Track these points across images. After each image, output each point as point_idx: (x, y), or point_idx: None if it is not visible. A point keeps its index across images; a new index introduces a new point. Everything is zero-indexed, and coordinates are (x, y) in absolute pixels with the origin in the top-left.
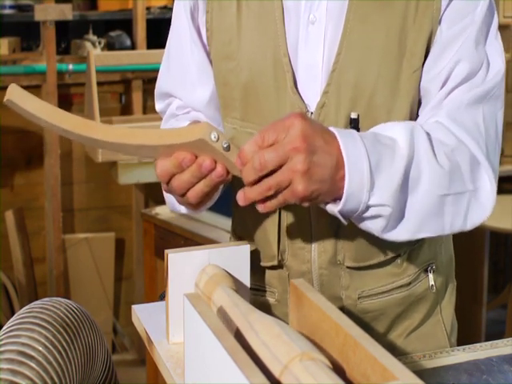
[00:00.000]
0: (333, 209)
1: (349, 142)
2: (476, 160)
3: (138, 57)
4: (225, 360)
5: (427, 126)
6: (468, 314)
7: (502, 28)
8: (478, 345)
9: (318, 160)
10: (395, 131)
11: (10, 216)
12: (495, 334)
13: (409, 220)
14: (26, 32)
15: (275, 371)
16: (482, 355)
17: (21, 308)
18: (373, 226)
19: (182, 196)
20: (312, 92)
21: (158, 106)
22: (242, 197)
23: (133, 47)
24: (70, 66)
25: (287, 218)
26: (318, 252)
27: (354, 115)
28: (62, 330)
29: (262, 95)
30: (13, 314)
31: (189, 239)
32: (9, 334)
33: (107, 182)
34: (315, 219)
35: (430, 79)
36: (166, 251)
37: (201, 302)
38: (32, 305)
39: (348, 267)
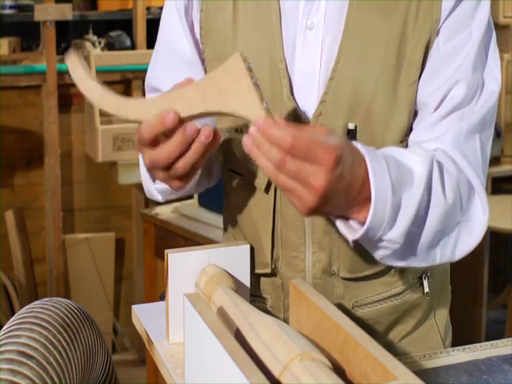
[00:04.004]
0: (346, 234)
1: (377, 172)
2: (472, 188)
3: (138, 57)
4: (225, 360)
5: (437, 155)
6: (468, 314)
7: (502, 28)
8: (478, 345)
9: (343, 183)
10: (416, 163)
11: (10, 216)
12: (495, 334)
13: (405, 251)
14: (26, 32)
15: (275, 371)
16: (482, 355)
17: (21, 308)
18: (374, 251)
19: (167, 169)
20: (308, 100)
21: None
22: (250, 147)
23: (133, 47)
24: None
25: (281, 226)
26: (312, 262)
27: (351, 126)
28: (62, 329)
29: None
30: (13, 313)
31: (189, 239)
32: (9, 334)
33: (107, 182)
34: (310, 228)
35: (427, 95)
36: (166, 251)
37: (201, 302)
38: (32, 305)
39: (343, 278)
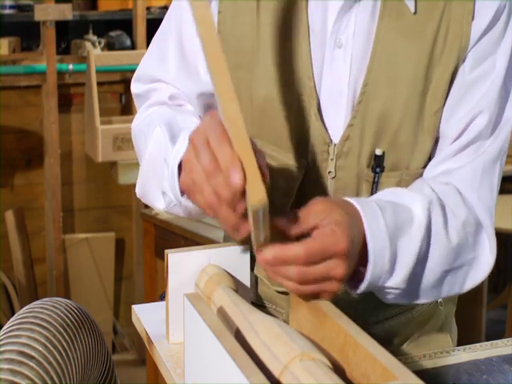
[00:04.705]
0: (348, 288)
1: (374, 230)
2: (480, 225)
3: (138, 57)
4: (225, 360)
5: (441, 190)
6: (468, 314)
7: None
8: (477, 345)
9: (353, 257)
10: (415, 205)
11: (10, 216)
12: (495, 334)
13: (411, 292)
14: (26, 32)
15: (275, 371)
16: (482, 355)
17: (21, 308)
18: (380, 295)
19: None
20: (335, 122)
21: (137, 88)
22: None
23: (133, 47)
24: (70, 66)
25: None
26: None
27: (378, 152)
28: (62, 330)
29: (281, 116)
30: (13, 313)
31: (189, 239)
32: (9, 334)
33: (107, 182)
34: None
35: (448, 125)
36: (166, 251)
37: (201, 302)
38: (32, 305)
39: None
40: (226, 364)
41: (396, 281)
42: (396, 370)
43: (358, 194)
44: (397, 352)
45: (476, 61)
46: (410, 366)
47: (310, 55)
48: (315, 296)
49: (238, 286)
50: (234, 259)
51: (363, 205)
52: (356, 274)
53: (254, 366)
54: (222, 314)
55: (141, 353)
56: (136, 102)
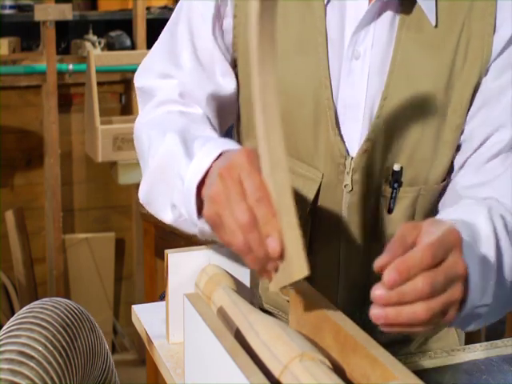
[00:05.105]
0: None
1: (469, 254)
2: None
3: (138, 57)
4: (225, 360)
5: (496, 208)
6: None
7: None
8: (477, 345)
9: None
10: (480, 222)
11: (9, 216)
12: (495, 334)
13: (495, 307)
14: (25, 32)
15: (275, 371)
16: (482, 355)
17: (21, 308)
18: (461, 325)
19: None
20: (352, 134)
21: (142, 81)
22: (383, 317)
23: (133, 47)
24: (70, 66)
25: (316, 263)
26: (342, 299)
27: (396, 167)
28: (61, 330)
29: (297, 126)
30: (13, 314)
31: (189, 239)
32: (9, 334)
33: (107, 182)
34: (344, 269)
35: (472, 129)
36: (166, 251)
37: (201, 302)
38: (32, 305)
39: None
40: (226, 364)
41: (487, 297)
42: (396, 369)
43: (374, 209)
44: (405, 350)
45: (498, 72)
46: (410, 366)
47: (328, 66)
48: (444, 313)
49: (238, 286)
50: (233, 259)
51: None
52: None
53: (254, 366)
54: (222, 314)
55: (141, 353)
56: (139, 97)
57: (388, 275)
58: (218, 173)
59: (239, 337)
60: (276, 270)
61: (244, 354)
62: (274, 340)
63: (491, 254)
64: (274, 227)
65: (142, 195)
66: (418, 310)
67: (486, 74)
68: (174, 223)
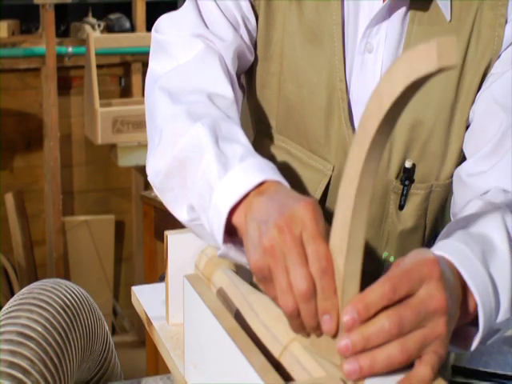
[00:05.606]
0: (460, 348)
1: (472, 272)
2: None
3: (138, 39)
4: (224, 341)
5: (501, 198)
6: None
7: None
8: None
9: (454, 313)
10: (492, 230)
11: (9, 199)
12: None
13: None
14: (25, 15)
15: (275, 352)
16: None
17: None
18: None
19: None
20: None
21: (167, 34)
22: (357, 371)
23: (132, 30)
24: (70, 49)
25: None
26: None
27: (408, 164)
28: (61, 310)
29: (308, 116)
30: (13, 296)
31: None
32: (8, 315)
33: (107, 165)
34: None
35: (476, 114)
36: (166, 232)
37: (200, 283)
38: (32, 285)
39: None
40: (226, 345)
41: (503, 313)
42: None
43: (385, 205)
44: None
45: (507, 62)
46: None
47: (344, 57)
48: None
49: (237, 267)
50: None
51: (447, 246)
52: (463, 331)
53: (253, 347)
54: (222, 295)
55: (141, 334)
56: (156, 47)
57: (345, 316)
58: (274, 223)
59: (239, 318)
60: (316, 334)
61: (244, 334)
62: (273, 321)
63: (506, 259)
64: (334, 306)
65: (157, 180)
66: (394, 353)
67: (495, 63)
68: (187, 224)
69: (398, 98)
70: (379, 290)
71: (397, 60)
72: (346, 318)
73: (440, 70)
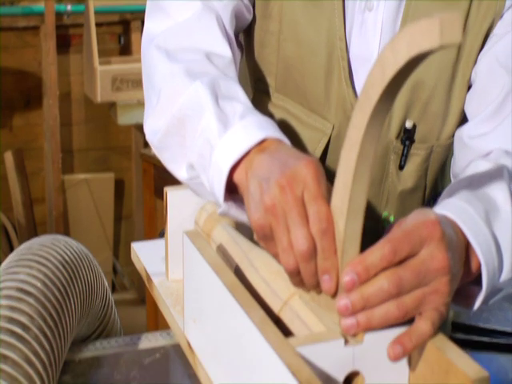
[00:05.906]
0: (463, 307)
1: (475, 231)
2: None
3: None
4: (224, 296)
5: (504, 159)
6: None
7: None
8: None
9: (457, 272)
10: (495, 189)
11: (9, 157)
12: None
13: None
14: None
15: (275, 307)
16: None
17: None
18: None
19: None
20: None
21: None
22: (354, 326)
23: None
24: (69, 7)
25: None
26: None
27: (408, 124)
28: (60, 266)
29: (308, 75)
30: None
31: None
32: (7, 271)
33: (106, 123)
34: None
35: (478, 75)
36: (166, 188)
37: (200, 239)
38: (31, 241)
39: None
40: (226, 300)
41: (506, 273)
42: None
43: (385, 165)
44: None
45: (510, 22)
46: None
47: (344, 15)
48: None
49: (237, 223)
50: None
51: (449, 205)
52: (466, 291)
53: (253, 302)
54: (222, 251)
55: (140, 292)
56: (151, 5)
57: (345, 277)
58: (276, 181)
59: (239, 273)
60: (316, 291)
61: (244, 289)
62: (273, 276)
63: (508, 219)
64: (334, 266)
65: (155, 139)
66: (390, 309)
67: (497, 24)
68: (186, 182)
69: (401, 69)
70: (379, 251)
71: (401, 30)
72: (345, 278)
73: (442, 47)
